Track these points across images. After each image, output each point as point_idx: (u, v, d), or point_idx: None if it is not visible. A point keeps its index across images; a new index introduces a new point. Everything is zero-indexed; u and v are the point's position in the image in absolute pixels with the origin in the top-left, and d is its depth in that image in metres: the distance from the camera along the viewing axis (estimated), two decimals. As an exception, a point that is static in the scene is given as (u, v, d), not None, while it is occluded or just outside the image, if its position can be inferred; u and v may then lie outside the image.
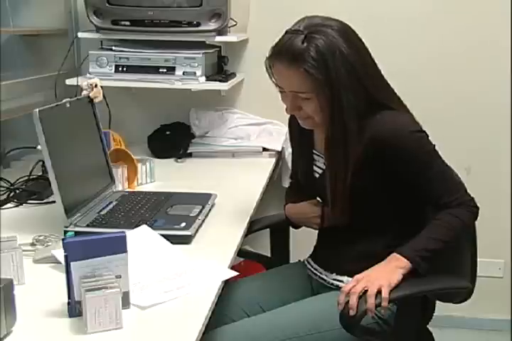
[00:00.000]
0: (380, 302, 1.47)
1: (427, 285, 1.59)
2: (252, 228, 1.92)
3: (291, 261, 2.05)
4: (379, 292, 1.48)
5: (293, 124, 1.83)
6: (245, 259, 2.55)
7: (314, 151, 1.78)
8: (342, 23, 1.60)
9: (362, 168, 1.60)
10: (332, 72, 1.52)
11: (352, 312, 1.46)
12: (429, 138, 1.63)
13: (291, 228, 1.98)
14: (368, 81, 1.58)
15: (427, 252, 1.55)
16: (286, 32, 1.59)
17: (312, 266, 1.83)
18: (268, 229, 2.05)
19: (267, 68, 1.64)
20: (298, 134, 1.83)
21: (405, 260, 1.54)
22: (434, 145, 1.63)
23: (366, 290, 1.48)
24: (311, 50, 1.52)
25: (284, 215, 1.90)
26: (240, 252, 1.92)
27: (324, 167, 1.72)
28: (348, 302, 1.48)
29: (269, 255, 2.10)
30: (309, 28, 1.55)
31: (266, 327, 1.61)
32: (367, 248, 1.68)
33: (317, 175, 1.76)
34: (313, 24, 1.56)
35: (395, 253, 1.56)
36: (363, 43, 1.62)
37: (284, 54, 1.55)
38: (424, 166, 1.60)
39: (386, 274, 1.52)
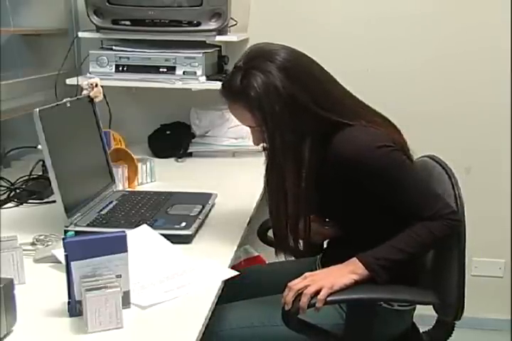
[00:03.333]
0: (315, 303, 1.46)
1: (372, 293, 1.54)
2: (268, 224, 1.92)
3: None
4: (318, 292, 1.47)
5: None
6: (246, 259, 2.56)
7: None
8: (286, 50, 1.56)
9: (340, 189, 1.58)
10: (267, 112, 1.52)
11: (286, 307, 1.47)
12: (397, 151, 1.55)
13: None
14: (317, 106, 1.54)
15: (387, 262, 1.51)
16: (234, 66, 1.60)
17: (318, 263, 1.84)
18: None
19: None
20: None
21: (362, 266, 1.51)
22: (406, 158, 1.58)
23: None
24: (246, 89, 1.52)
25: None
26: (268, 241, 1.92)
27: None
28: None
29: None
30: (249, 62, 1.55)
31: (239, 314, 1.65)
32: (367, 249, 1.67)
33: None
34: (253, 57, 1.56)
35: (354, 258, 1.53)
36: (312, 64, 1.59)
37: (226, 92, 1.59)
38: (396, 182, 1.54)
39: (335, 276, 1.50)
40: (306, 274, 1.52)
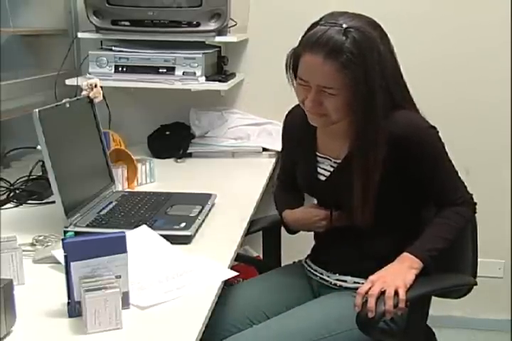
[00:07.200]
0: (397, 304, 1.46)
1: (438, 283, 1.60)
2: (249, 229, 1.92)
3: (283, 263, 2.03)
4: (395, 293, 1.47)
5: (291, 126, 1.81)
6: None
7: (318, 154, 1.75)
8: (375, 21, 1.58)
9: (383, 169, 1.58)
10: (369, 69, 1.49)
11: (371, 315, 1.44)
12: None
13: (283, 230, 1.94)
14: (392, 82, 1.57)
15: (436, 252, 1.56)
16: (318, 24, 1.54)
17: (311, 268, 1.82)
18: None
19: (289, 58, 1.59)
20: (298, 136, 1.79)
21: (417, 260, 1.54)
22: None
23: (382, 292, 1.47)
24: (350, 44, 1.48)
25: (281, 221, 1.87)
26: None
27: (331, 169, 1.70)
28: (364, 303, 1.46)
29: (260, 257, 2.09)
30: (346, 22, 1.51)
31: (276, 335, 1.58)
32: (371, 248, 1.67)
33: (323, 178, 1.74)
34: (348, 19, 1.52)
35: (406, 253, 1.56)
36: (391, 43, 1.60)
37: (322, 45, 1.49)
38: (439, 162, 1.61)
39: (401, 275, 1.51)
40: (372, 278, 1.51)
